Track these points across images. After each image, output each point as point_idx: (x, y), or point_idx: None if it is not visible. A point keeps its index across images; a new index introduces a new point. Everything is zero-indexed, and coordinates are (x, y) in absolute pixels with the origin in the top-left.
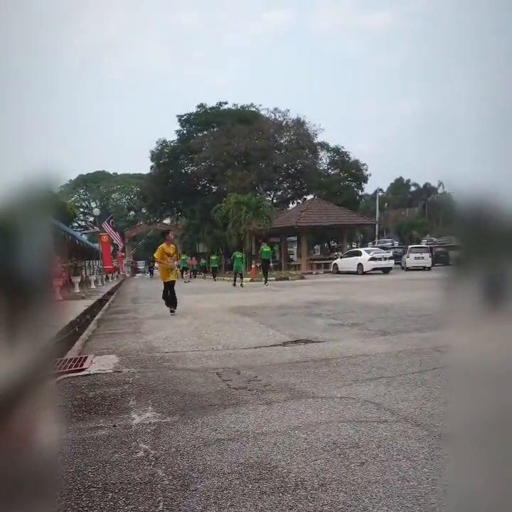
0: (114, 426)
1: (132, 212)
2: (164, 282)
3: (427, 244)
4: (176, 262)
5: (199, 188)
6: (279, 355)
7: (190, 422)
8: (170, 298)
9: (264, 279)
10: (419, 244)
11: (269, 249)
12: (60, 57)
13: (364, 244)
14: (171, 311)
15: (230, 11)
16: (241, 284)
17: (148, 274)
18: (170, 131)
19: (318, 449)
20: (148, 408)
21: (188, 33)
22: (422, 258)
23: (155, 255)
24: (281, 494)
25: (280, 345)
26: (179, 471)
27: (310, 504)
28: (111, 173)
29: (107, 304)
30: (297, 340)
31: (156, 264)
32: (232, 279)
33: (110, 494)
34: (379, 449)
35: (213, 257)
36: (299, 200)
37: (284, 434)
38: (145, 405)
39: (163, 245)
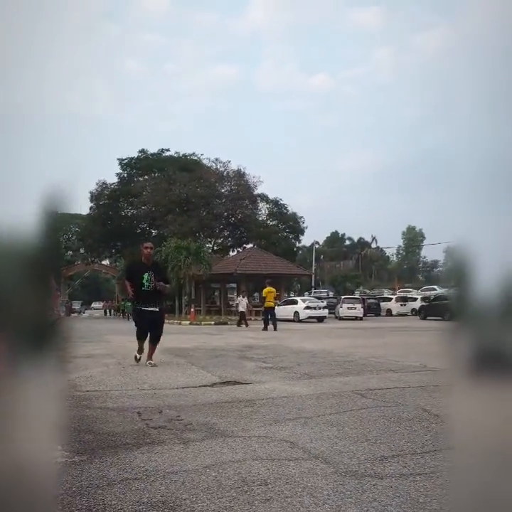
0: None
1: (70, 252)
2: None
3: (359, 296)
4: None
5: (139, 231)
6: (206, 396)
7: (98, 461)
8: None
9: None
10: (352, 295)
11: None
12: None
13: (301, 294)
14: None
15: (177, 61)
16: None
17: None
18: (110, 174)
19: (226, 486)
20: (56, 447)
21: (132, 79)
22: (355, 308)
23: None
24: None
25: (209, 386)
26: None
27: None
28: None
29: None
30: (226, 382)
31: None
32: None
33: None
34: (285, 486)
35: (128, 304)
36: (239, 249)
37: (194, 473)
38: (53, 444)
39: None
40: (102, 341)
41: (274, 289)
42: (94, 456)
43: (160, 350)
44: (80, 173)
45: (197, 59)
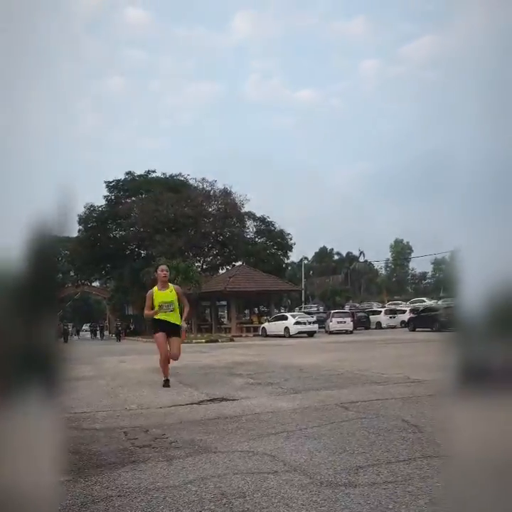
0: None
1: (60, 274)
2: None
3: (349, 310)
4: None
5: (128, 252)
6: (192, 413)
7: (83, 480)
8: None
9: None
10: (342, 309)
11: None
12: None
13: (291, 309)
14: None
15: (160, 78)
16: None
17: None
18: (97, 195)
19: (206, 500)
20: (41, 469)
21: (116, 97)
22: (344, 322)
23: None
24: None
25: (196, 403)
26: None
27: None
28: None
29: None
30: (213, 399)
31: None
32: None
33: None
34: (263, 498)
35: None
36: (228, 267)
37: (176, 488)
38: (38, 466)
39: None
40: (93, 363)
41: None
42: (79, 475)
43: (149, 369)
44: (70, 196)
45: (181, 75)
